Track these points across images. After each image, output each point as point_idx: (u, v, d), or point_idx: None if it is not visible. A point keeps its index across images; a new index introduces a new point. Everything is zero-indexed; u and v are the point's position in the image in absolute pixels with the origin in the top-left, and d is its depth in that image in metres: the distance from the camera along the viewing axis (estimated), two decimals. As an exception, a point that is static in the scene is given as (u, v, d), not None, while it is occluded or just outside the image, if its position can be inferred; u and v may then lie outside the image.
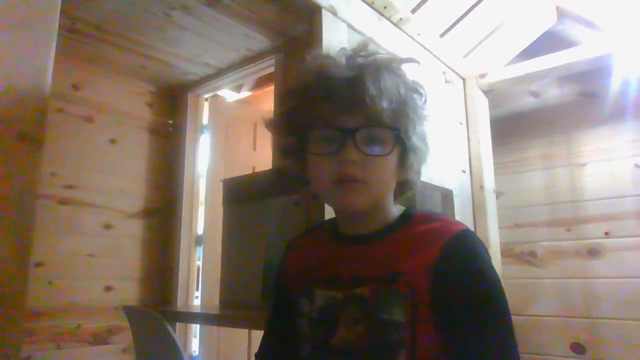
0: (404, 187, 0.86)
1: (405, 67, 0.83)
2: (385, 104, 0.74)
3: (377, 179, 0.77)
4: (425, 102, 0.83)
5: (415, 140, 0.81)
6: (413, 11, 1.97)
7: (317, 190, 0.84)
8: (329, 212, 1.34)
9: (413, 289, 0.72)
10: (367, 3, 1.81)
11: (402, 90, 0.78)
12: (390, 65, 0.79)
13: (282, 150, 0.88)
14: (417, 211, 0.84)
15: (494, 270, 0.75)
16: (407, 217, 0.83)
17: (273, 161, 2.07)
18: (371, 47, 0.82)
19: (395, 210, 0.85)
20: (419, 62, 0.84)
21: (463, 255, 0.73)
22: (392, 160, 0.78)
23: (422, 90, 0.84)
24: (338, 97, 0.75)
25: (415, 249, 0.76)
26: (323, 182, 0.79)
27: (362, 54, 0.80)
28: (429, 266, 0.72)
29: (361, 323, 0.75)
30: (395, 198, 0.86)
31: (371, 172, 0.76)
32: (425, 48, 2.15)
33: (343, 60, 0.79)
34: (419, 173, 0.86)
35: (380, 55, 0.80)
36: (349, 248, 0.83)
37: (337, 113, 0.76)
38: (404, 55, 0.86)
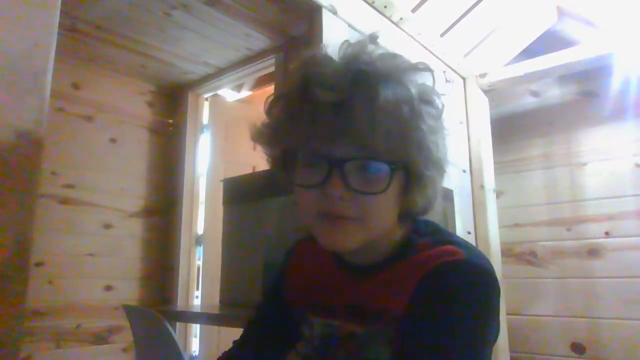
0: (413, 213, 0.73)
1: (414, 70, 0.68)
2: (380, 132, 0.60)
3: (371, 215, 0.65)
4: (440, 115, 0.68)
5: (422, 167, 0.66)
6: (413, 10, 1.97)
7: (304, 223, 0.72)
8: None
9: (397, 326, 0.66)
10: (367, 2, 1.81)
11: (408, 108, 0.62)
12: (393, 76, 0.63)
13: (269, 161, 0.76)
14: (422, 238, 0.71)
15: (471, 311, 0.62)
16: (410, 246, 0.71)
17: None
18: (371, 48, 0.67)
19: (403, 233, 0.74)
20: (432, 70, 0.69)
21: (433, 288, 0.64)
22: (389, 194, 0.65)
23: (436, 100, 0.68)
24: (323, 122, 0.62)
25: (404, 282, 0.68)
26: (307, 215, 0.68)
27: (361, 58, 0.65)
28: (407, 300, 0.66)
29: None
30: (402, 221, 0.74)
31: (366, 208, 0.64)
32: (426, 47, 2.15)
33: (337, 67, 0.65)
34: (432, 199, 0.72)
35: (381, 63, 0.64)
36: (349, 278, 0.76)
37: (324, 139, 0.63)
38: (411, 58, 0.70)
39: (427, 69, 0.68)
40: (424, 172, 0.67)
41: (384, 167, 0.63)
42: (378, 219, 0.67)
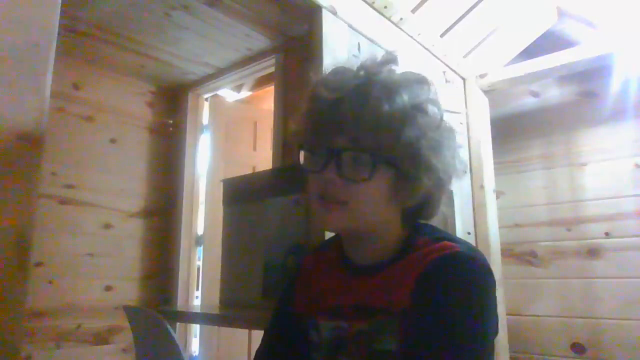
0: (416, 215, 0.82)
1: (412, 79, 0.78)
2: (367, 128, 0.71)
3: (359, 202, 0.75)
4: (439, 124, 0.76)
5: (409, 168, 0.73)
6: (413, 11, 1.97)
7: (311, 206, 0.83)
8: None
9: (402, 318, 0.72)
10: (367, 3, 1.81)
11: (400, 113, 0.72)
12: (392, 85, 0.74)
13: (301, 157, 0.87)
14: (421, 237, 0.79)
15: (470, 301, 0.69)
16: (410, 245, 0.79)
17: (273, 161, 2.07)
18: (379, 64, 0.78)
19: (405, 235, 0.82)
20: (430, 84, 0.79)
21: (432, 279, 0.71)
22: (376, 185, 0.74)
23: (432, 109, 0.76)
24: (324, 118, 0.75)
25: (406, 277, 0.75)
26: (312, 197, 0.79)
27: (370, 69, 0.77)
28: (409, 293, 0.73)
29: (357, 354, 0.77)
30: (406, 222, 0.82)
31: (352, 194, 0.74)
32: (425, 48, 2.15)
33: (348, 74, 0.77)
34: (435, 201, 0.81)
35: (386, 74, 0.76)
36: (354, 278, 0.83)
37: (326, 133, 0.75)
38: (416, 69, 0.80)
39: (425, 82, 0.78)
40: (413, 174, 0.74)
41: (367, 158, 0.72)
42: (362, 206, 0.76)
